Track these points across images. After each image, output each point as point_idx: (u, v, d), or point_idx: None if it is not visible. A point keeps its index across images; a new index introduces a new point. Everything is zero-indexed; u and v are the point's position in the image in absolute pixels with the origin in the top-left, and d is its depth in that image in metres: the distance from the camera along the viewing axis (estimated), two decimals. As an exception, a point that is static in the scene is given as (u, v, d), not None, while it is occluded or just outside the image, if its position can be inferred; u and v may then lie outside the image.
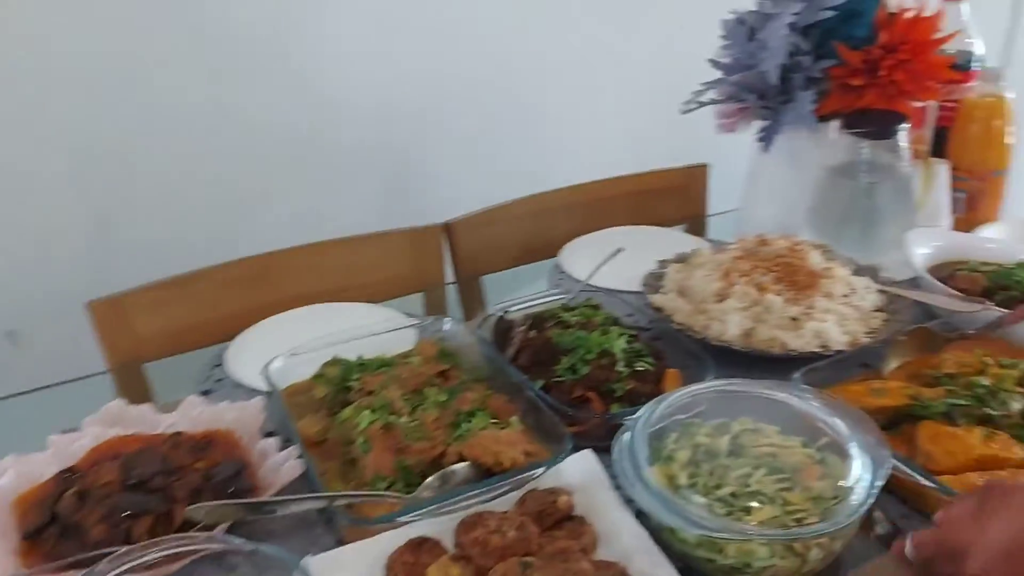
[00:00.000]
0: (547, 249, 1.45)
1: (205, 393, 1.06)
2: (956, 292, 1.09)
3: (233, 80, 1.59)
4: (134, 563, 0.68)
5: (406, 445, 0.84)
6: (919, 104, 1.34)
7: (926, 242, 1.21)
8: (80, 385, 1.43)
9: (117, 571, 0.68)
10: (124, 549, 0.68)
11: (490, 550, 0.70)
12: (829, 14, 1.17)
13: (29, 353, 1.55)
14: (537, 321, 1.06)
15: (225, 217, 1.64)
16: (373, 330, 1.06)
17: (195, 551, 0.70)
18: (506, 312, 1.10)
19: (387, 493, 0.79)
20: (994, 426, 0.84)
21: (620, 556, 0.74)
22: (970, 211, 1.40)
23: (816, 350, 1.00)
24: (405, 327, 1.09)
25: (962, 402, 0.86)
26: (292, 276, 1.29)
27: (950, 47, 1.37)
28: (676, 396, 0.86)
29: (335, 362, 1.01)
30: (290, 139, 1.67)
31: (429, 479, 0.81)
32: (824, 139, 1.28)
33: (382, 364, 1.01)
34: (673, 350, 1.03)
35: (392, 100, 1.76)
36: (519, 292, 1.16)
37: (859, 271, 1.16)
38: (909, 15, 1.19)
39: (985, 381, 0.88)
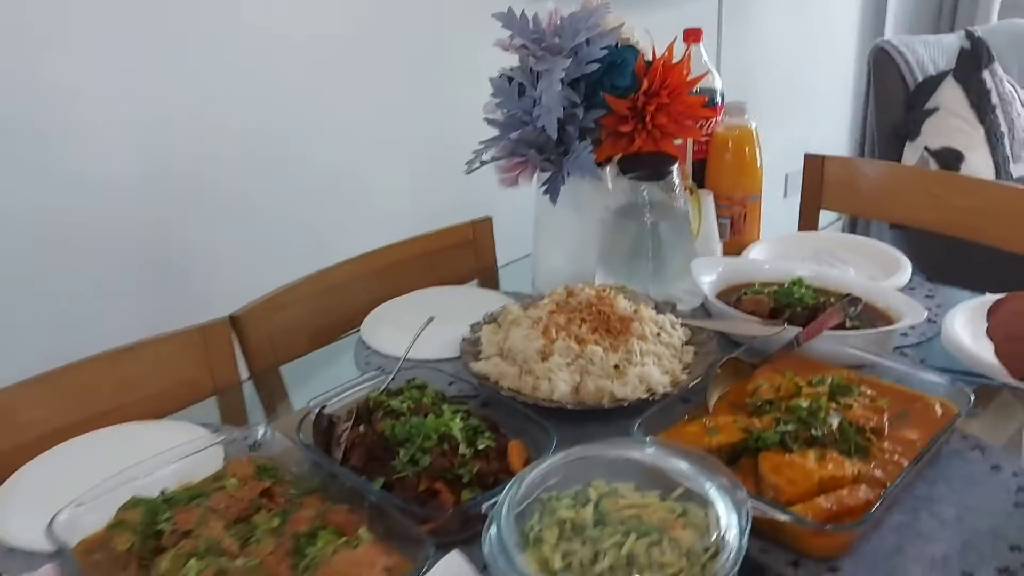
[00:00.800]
0: (344, 324, 1.37)
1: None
2: (752, 317, 1.15)
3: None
4: None
5: (236, 595, 0.73)
6: (679, 142, 1.43)
7: (709, 271, 1.28)
8: None
9: None
10: None
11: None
12: (595, 67, 1.21)
13: None
14: (362, 413, 0.98)
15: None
16: (172, 456, 0.93)
17: None
18: (323, 407, 1.01)
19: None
20: (821, 445, 0.89)
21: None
22: (734, 235, 1.51)
23: (643, 396, 1.01)
24: (210, 445, 0.97)
25: (791, 427, 0.90)
26: (49, 403, 1.11)
27: (699, 85, 1.48)
28: (530, 474, 0.82)
29: (134, 503, 0.87)
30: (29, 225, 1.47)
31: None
32: (603, 184, 1.32)
33: (193, 496, 0.88)
34: (505, 416, 1.00)
35: (153, 175, 1.60)
36: (323, 378, 1.07)
37: (659, 308, 1.20)
38: (662, 61, 1.26)
39: (804, 403, 0.93)
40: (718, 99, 1.52)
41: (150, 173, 1.61)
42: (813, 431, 0.90)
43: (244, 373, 1.28)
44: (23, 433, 1.07)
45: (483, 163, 1.30)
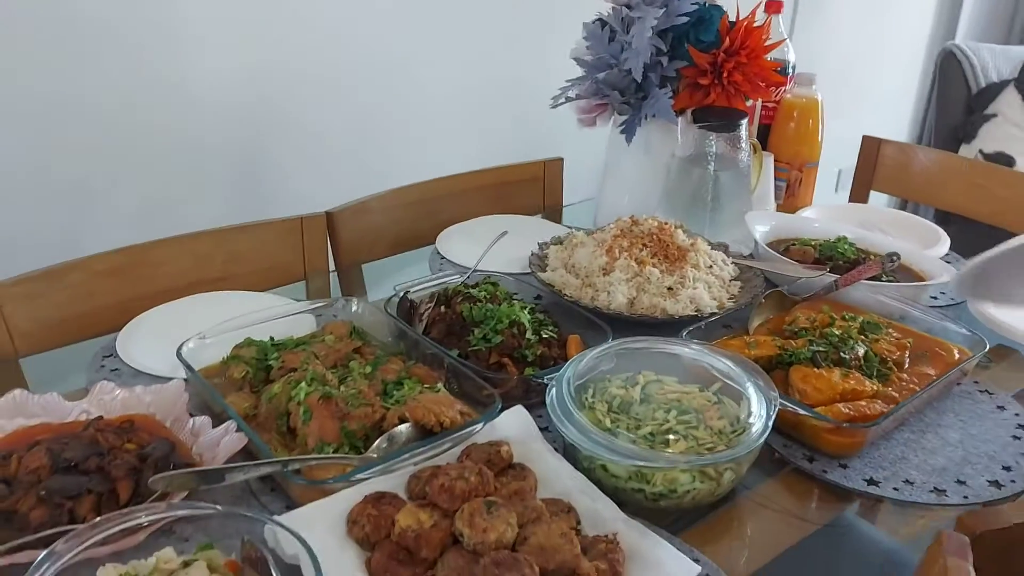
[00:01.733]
0: (421, 238, 1.50)
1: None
2: (795, 262, 1.26)
3: (83, 71, 1.52)
4: (97, 538, 0.67)
5: (347, 412, 0.87)
6: (750, 102, 1.53)
7: (763, 222, 1.39)
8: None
9: (79, 548, 0.67)
10: (85, 525, 0.67)
11: (456, 495, 0.75)
12: (684, 20, 1.32)
13: None
14: (444, 298, 1.11)
15: (76, 209, 1.55)
16: (281, 312, 1.08)
17: (159, 520, 0.70)
18: (407, 292, 1.15)
19: (341, 456, 0.82)
20: (846, 366, 1.00)
21: (562, 495, 0.81)
22: (788, 197, 1.61)
23: (691, 313, 1.13)
24: (311, 309, 1.11)
25: (822, 348, 1.01)
26: (169, 266, 1.26)
27: (773, 54, 1.58)
28: (589, 356, 0.95)
29: (248, 343, 1.02)
30: (142, 131, 1.62)
31: (377, 441, 0.84)
32: (674, 131, 1.43)
33: (297, 343, 1.03)
34: (567, 320, 1.12)
35: (248, 95, 1.74)
36: (400, 278, 1.20)
37: (713, 247, 1.32)
38: (745, 23, 1.36)
39: (836, 331, 1.05)
40: (789, 70, 1.62)
41: (245, 95, 1.75)
42: (841, 354, 1.01)
43: (331, 266, 1.42)
44: (152, 282, 1.23)
45: (568, 99, 1.41)
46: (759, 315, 1.14)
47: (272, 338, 1.04)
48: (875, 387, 0.97)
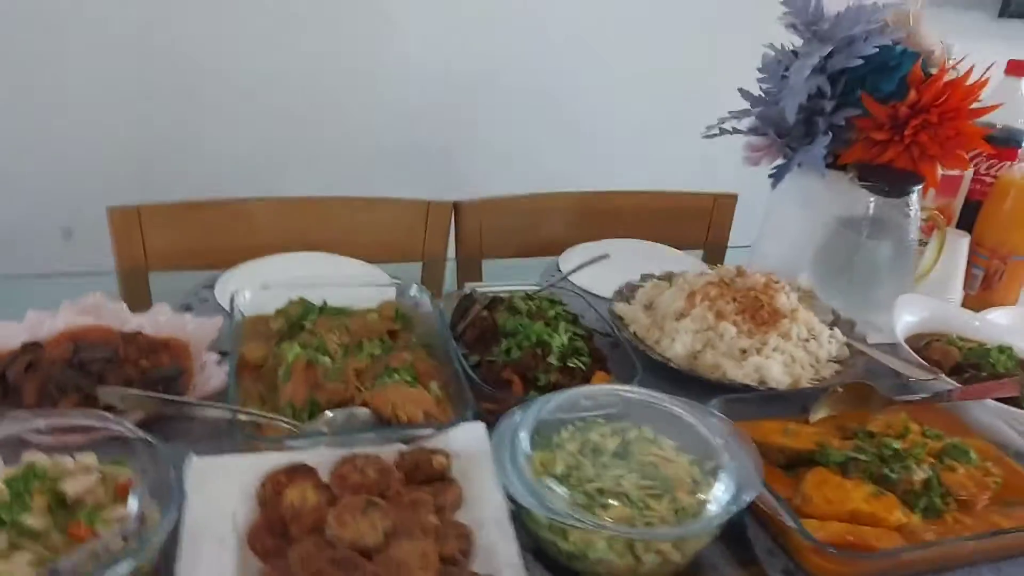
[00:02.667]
0: (552, 247, 1.48)
1: (187, 308, 1.15)
2: (914, 358, 1.07)
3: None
4: (40, 425, 0.77)
5: (321, 383, 0.90)
6: (949, 172, 1.32)
7: (915, 309, 1.19)
8: (94, 279, 1.55)
9: (25, 428, 0.76)
10: (30, 410, 0.77)
11: (348, 484, 0.75)
12: (857, 62, 1.16)
13: (81, 249, 1.70)
14: (493, 303, 1.10)
15: (268, 158, 1.75)
16: (341, 281, 1.13)
17: (92, 428, 0.77)
18: (474, 290, 1.15)
19: (281, 418, 0.85)
20: (888, 486, 0.83)
21: (475, 522, 0.77)
22: (984, 290, 1.36)
23: (752, 384, 1.01)
24: (373, 285, 1.15)
25: (862, 457, 0.86)
26: (297, 223, 1.37)
27: (997, 120, 1.34)
28: (592, 391, 0.89)
29: (299, 302, 1.08)
30: (341, 104, 1.78)
31: (329, 414, 0.86)
32: (839, 186, 1.27)
33: (340, 312, 1.08)
34: (619, 359, 1.05)
35: (440, 90, 1.84)
36: (511, 279, 1.20)
37: (836, 322, 1.16)
38: (942, 77, 1.17)
39: (896, 444, 0.87)
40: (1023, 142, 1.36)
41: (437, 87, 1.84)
42: (888, 471, 0.84)
43: (452, 254, 1.46)
44: (277, 235, 1.35)
45: (722, 131, 1.31)
46: (831, 405, 0.98)
47: (325, 302, 1.09)
48: (907, 518, 0.80)
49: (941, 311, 1.21)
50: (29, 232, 1.72)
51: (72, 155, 1.70)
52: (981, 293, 1.36)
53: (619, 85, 1.97)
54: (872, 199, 1.20)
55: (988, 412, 0.98)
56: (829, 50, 1.17)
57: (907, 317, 1.17)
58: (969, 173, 1.37)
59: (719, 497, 0.77)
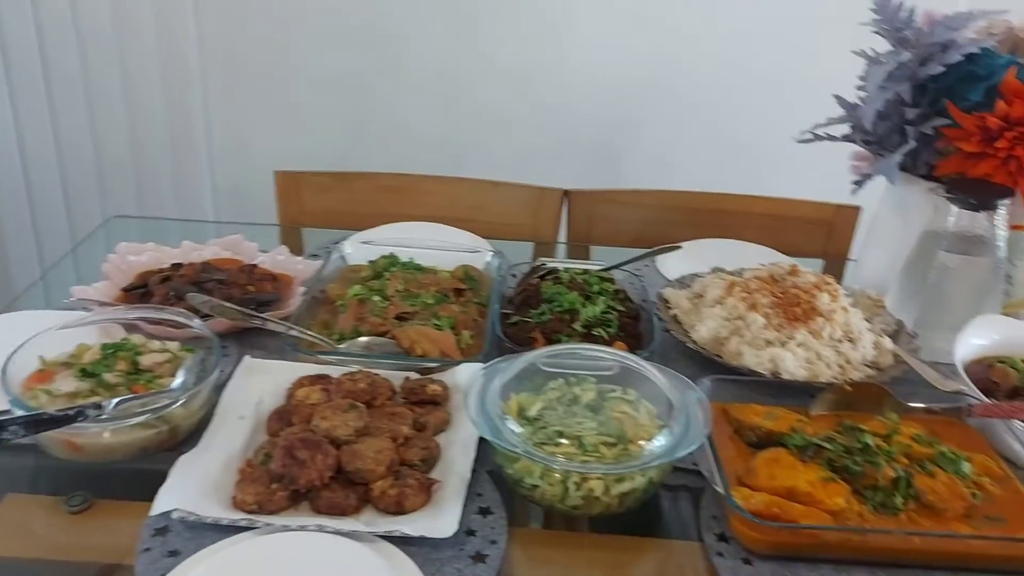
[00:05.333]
0: (661, 240, 1.55)
1: (314, 256, 1.39)
2: (929, 366, 1.04)
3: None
4: (144, 315, 1.02)
5: (366, 317, 1.08)
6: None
7: (988, 330, 1.14)
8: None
9: (132, 315, 1.02)
10: (141, 306, 1.02)
11: (342, 390, 0.92)
12: (939, 69, 1.14)
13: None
14: (548, 274, 1.22)
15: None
16: (425, 244, 1.30)
17: (183, 324, 1.00)
18: (543, 263, 1.27)
19: (322, 338, 1.04)
20: (849, 479, 0.85)
21: (449, 442, 0.91)
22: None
23: (764, 372, 1.05)
24: (450, 250, 1.31)
25: (826, 445, 0.88)
26: (431, 197, 1.57)
27: None
28: (587, 352, 0.98)
29: (388, 256, 1.28)
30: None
31: (360, 339, 1.04)
32: (934, 199, 1.24)
33: (418, 268, 1.25)
34: (659, 339, 1.13)
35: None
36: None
37: (896, 333, 1.15)
38: (1040, 89, 1.11)
39: (869, 440, 0.89)
40: None
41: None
42: (850, 463, 0.86)
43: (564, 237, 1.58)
44: (412, 207, 1.56)
45: (816, 137, 1.32)
46: (838, 404, 0.99)
47: (412, 259, 1.27)
48: (849, 506, 0.82)
49: (1017, 335, 1.14)
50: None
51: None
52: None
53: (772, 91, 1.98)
54: (954, 212, 1.17)
55: (1010, 433, 0.94)
56: (908, 57, 1.15)
57: (974, 339, 1.12)
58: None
59: (654, 450, 0.85)
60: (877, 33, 1.21)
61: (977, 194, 1.16)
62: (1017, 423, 0.95)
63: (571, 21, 1.93)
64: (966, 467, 0.88)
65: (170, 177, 2.11)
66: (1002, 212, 1.15)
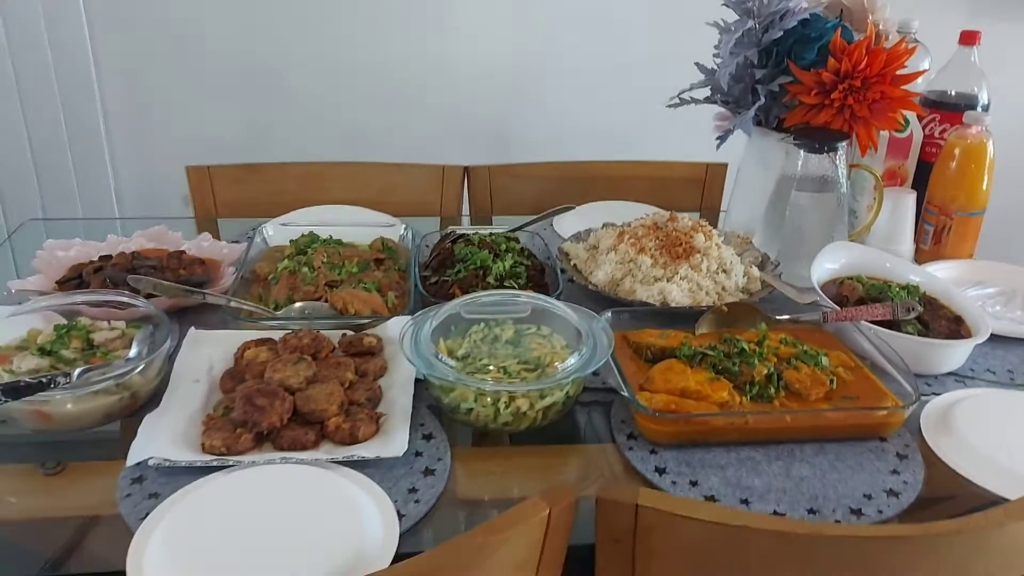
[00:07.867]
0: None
1: (236, 242, 1.46)
2: (790, 286, 1.23)
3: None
4: (89, 299, 1.09)
5: (299, 287, 1.18)
6: (898, 135, 1.45)
7: (837, 256, 1.33)
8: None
9: (78, 300, 1.08)
10: (87, 291, 1.09)
11: (288, 346, 1.02)
12: (778, 34, 1.33)
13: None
14: (459, 239, 1.34)
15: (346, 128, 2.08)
16: (340, 222, 1.41)
17: (127, 305, 1.08)
18: (453, 231, 1.40)
19: (261, 307, 1.13)
20: (731, 378, 1.02)
21: (390, 384, 1.03)
22: (935, 244, 1.47)
23: (654, 303, 1.21)
24: (361, 225, 1.42)
25: (710, 352, 1.04)
26: (340, 183, 1.67)
27: (951, 87, 1.47)
28: (506, 296, 1.12)
29: (308, 235, 1.37)
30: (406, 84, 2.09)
31: (295, 305, 1.14)
32: (787, 148, 1.43)
33: (338, 243, 1.36)
34: (569, 291, 1.27)
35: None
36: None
37: (763, 263, 1.33)
38: (863, 45, 1.31)
39: (744, 345, 1.05)
40: (978, 107, 1.47)
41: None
42: (729, 364, 1.03)
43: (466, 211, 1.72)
44: (323, 193, 1.65)
45: (682, 101, 1.49)
46: (717, 323, 1.16)
47: (331, 236, 1.38)
48: (731, 398, 0.98)
49: (860, 257, 1.34)
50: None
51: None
52: (933, 248, 1.47)
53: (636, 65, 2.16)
54: (801, 156, 1.36)
55: (858, 332, 1.13)
56: (753, 25, 1.34)
57: (827, 263, 1.32)
58: (919, 136, 1.49)
59: (568, 368, 0.99)
60: (726, 5, 1.39)
61: (820, 140, 1.35)
62: (863, 323, 1.14)
63: (453, 16, 2.06)
64: (824, 361, 1.06)
65: (73, 181, 2.13)
66: (842, 154, 1.35)
